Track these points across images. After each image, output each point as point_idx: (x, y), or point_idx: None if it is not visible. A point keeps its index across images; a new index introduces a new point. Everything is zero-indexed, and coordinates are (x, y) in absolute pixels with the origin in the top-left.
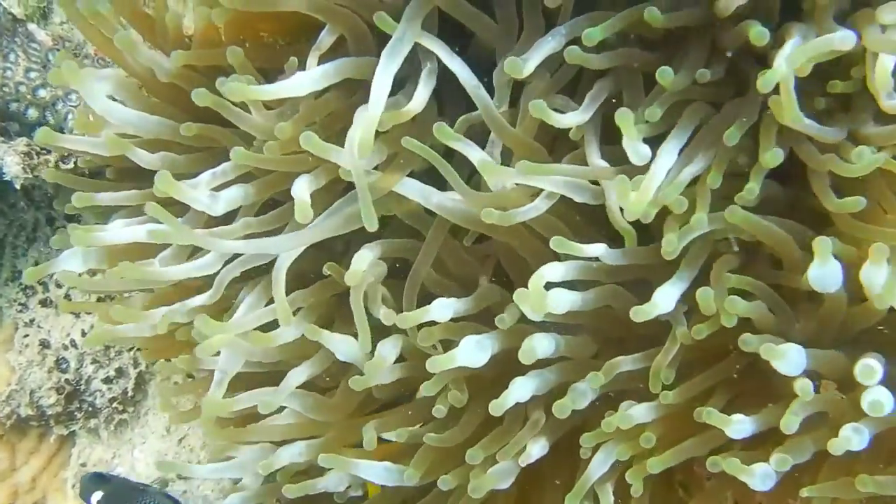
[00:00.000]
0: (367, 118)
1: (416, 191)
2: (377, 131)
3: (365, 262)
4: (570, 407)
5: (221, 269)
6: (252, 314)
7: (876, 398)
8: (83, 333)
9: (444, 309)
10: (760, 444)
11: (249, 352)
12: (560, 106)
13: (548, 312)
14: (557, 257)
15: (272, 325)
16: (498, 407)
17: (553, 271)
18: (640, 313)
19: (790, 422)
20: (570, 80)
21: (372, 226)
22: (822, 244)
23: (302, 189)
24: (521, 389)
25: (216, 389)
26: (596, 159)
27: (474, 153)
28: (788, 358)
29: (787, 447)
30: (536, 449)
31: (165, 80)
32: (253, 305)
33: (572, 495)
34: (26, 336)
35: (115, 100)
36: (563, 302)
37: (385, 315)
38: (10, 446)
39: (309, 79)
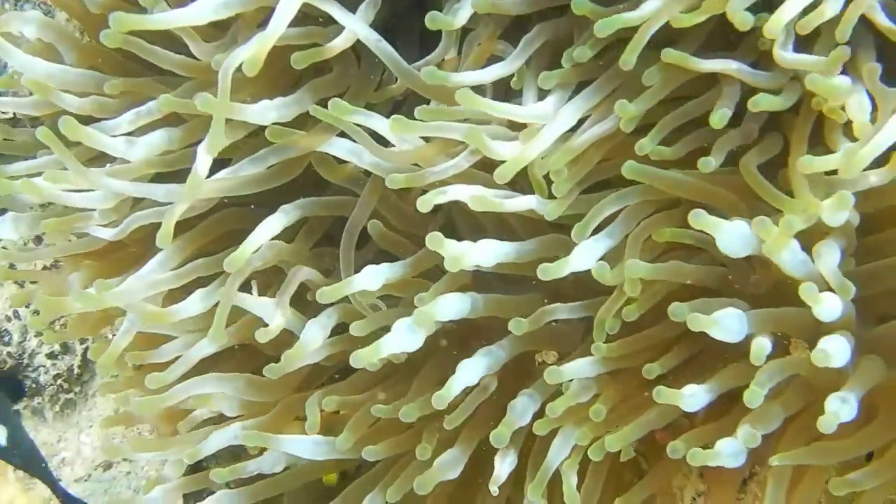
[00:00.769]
0: (263, 36)
1: (346, 150)
2: None
3: (258, 242)
4: (507, 435)
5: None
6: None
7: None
8: (27, 304)
9: (373, 276)
10: (725, 412)
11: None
12: (500, 52)
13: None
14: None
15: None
16: (441, 399)
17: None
18: (548, 272)
19: (754, 395)
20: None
21: (211, 152)
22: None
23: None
24: (467, 373)
25: (119, 339)
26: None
27: (377, 122)
28: (722, 325)
29: (753, 416)
30: (505, 467)
31: (96, 12)
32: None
33: (535, 484)
34: None
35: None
36: (488, 255)
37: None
38: None
39: (209, 5)
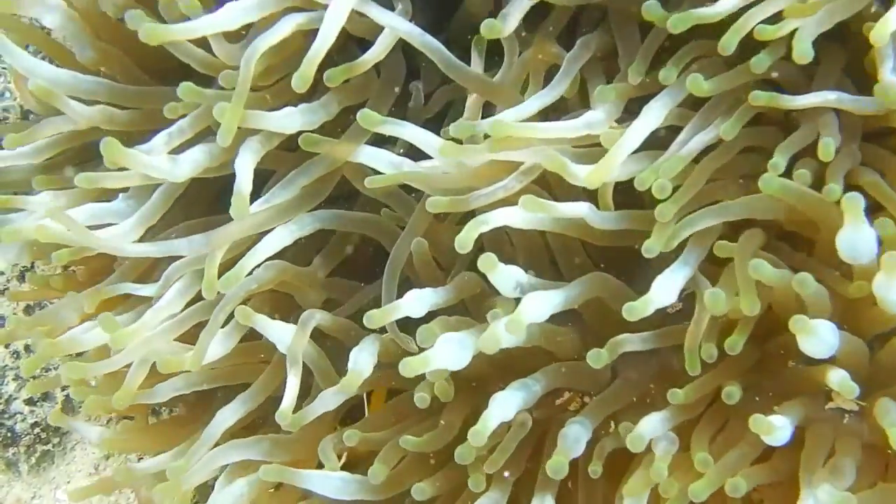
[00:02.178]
0: (313, 50)
1: (383, 161)
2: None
3: (259, 257)
4: (564, 463)
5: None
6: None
7: None
8: (6, 345)
9: (416, 302)
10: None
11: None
12: (555, 56)
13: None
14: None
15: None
16: (478, 436)
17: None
18: (634, 311)
19: None
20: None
21: (225, 141)
22: (853, 202)
23: (243, 169)
24: (502, 408)
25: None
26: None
27: (411, 132)
28: (819, 334)
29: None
30: None
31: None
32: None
33: None
34: None
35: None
36: (541, 309)
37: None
38: None
39: (240, 9)
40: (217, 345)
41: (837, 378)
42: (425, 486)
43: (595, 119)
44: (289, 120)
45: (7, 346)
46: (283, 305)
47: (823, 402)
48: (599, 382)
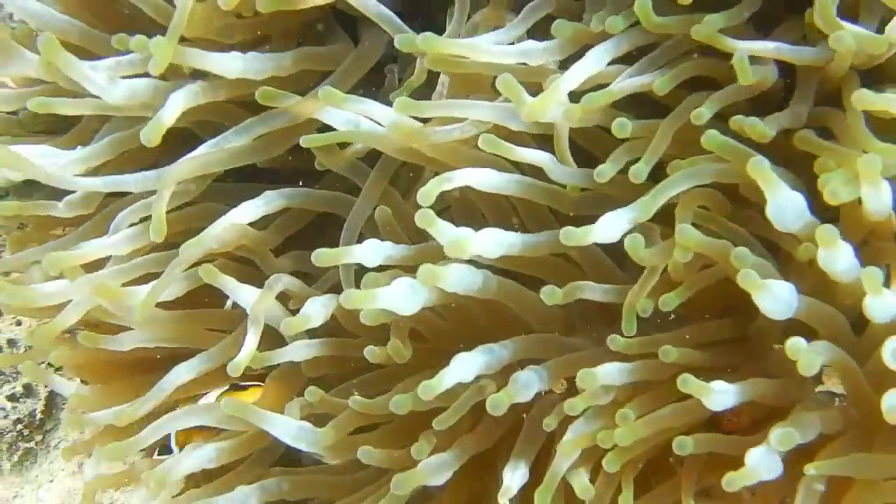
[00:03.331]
0: None
1: (343, 120)
2: None
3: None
4: (505, 402)
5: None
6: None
7: None
8: None
9: (374, 250)
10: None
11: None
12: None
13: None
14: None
15: None
16: (429, 390)
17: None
18: (572, 237)
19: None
20: None
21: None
22: (760, 168)
23: (172, 103)
24: (462, 368)
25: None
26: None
27: (372, 108)
28: (773, 291)
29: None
30: (516, 479)
31: None
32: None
33: (542, 489)
34: None
35: None
36: (489, 241)
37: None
38: None
39: None
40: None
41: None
42: (372, 449)
43: (531, 48)
44: (231, 63)
45: None
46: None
47: (812, 385)
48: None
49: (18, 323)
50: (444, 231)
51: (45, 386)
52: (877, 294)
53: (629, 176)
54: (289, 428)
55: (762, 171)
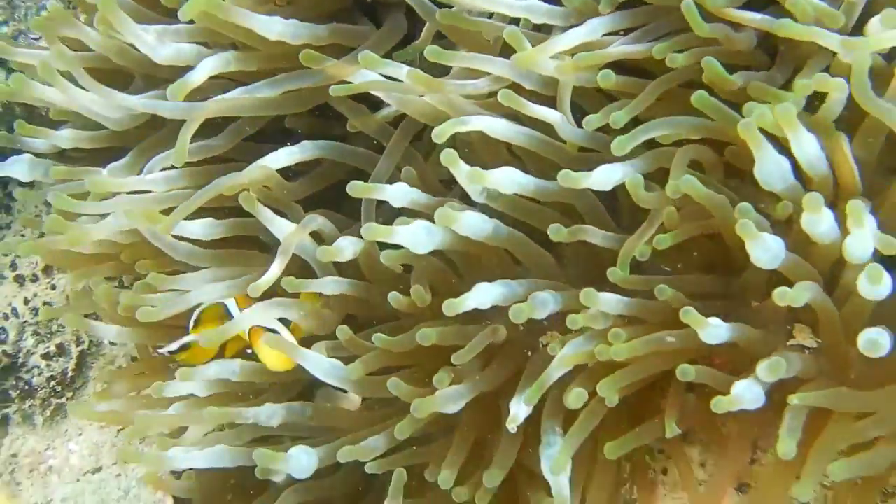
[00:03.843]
0: None
1: (378, 84)
2: None
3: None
4: (526, 314)
5: None
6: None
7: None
8: (26, 302)
9: (399, 192)
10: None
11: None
12: None
13: (493, 189)
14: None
15: None
16: (452, 307)
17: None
18: (567, 179)
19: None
20: None
21: (185, 15)
22: (750, 131)
23: (202, 66)
24: (482, 295)
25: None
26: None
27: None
28: (765, 242)
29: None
30: (522, 410)
31: None
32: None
33: (533, 389)
34: None
35: None
36: (508, 180)
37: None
38: None
39: None
40: (200, 227)
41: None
42: (400, 381)
43: (536, 6)
44: (272, 25)
45: (27, 303)
46: None
47: (785, 339)
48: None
49: (53, 287)
50: (464, 167)
51: (78, 346)
52: (859, 226)
53: (610, 122)
54: (321, 363)
55: (751, 132)
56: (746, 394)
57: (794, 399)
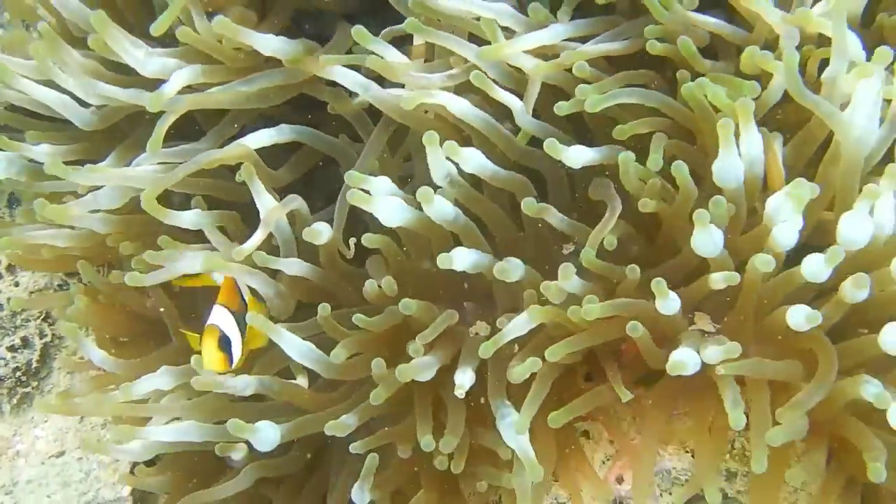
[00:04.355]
0: None
1: (351, 81)
2: None
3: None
4: (501, 272)
5: None
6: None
7: None
8: None
9: (384, 184)
10: None
11: None
12: None
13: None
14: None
15: None
16: (445, 261)
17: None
18: (552, 148)
19: None
20: None
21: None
22: (725, 129)
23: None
24: (463, 257)
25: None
26: None
27: (391, 53)
28: (712, 232)
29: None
30: (466, 379)
31: None
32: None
33: (488, 344)
34: None
35: None
36: (474, 161)
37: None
38: None
39: None
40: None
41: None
42: (382, 360)
43: (503, 10)
44: (268, 42)
45: None
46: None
47: (688, 325)
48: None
49: (17, 284)
50: (439, 150)
51: (41, 339)
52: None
53: (585, 106)
54: (297, 345)
55: (726, 129)
56: (686, 358)
57: (720, 370)
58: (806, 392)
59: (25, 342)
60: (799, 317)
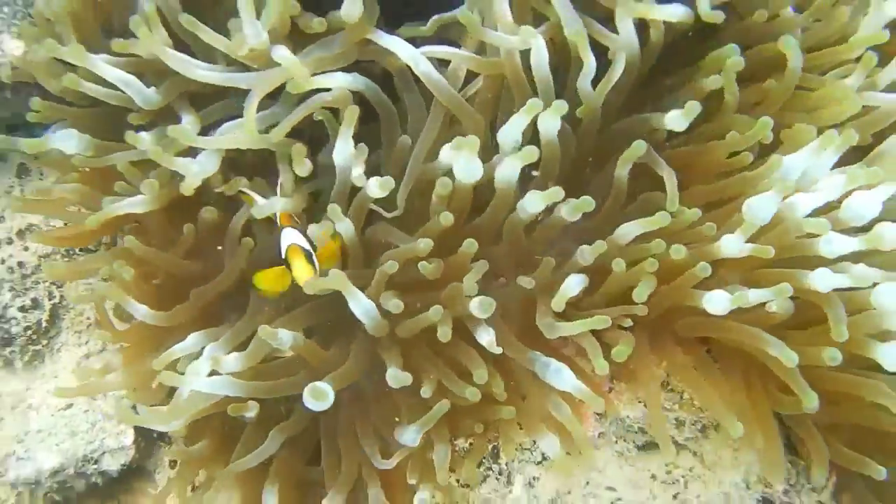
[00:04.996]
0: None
1: (406, 52)
2: None
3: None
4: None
5: None
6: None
7: None
8: (2, 261)
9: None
10: None
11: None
12: None
13: None
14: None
15: None
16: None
17: None
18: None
19: None
20: None
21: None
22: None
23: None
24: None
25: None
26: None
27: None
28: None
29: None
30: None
31: None
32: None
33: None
34: None
35: None
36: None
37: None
38: None
39: None
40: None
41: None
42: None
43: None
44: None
45: (3, 263)
46: None
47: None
48: None
49: (26, 248)
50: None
51: (50, 300)
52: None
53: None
54: (363, 302)
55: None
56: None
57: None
58: None
59: (35, 303)
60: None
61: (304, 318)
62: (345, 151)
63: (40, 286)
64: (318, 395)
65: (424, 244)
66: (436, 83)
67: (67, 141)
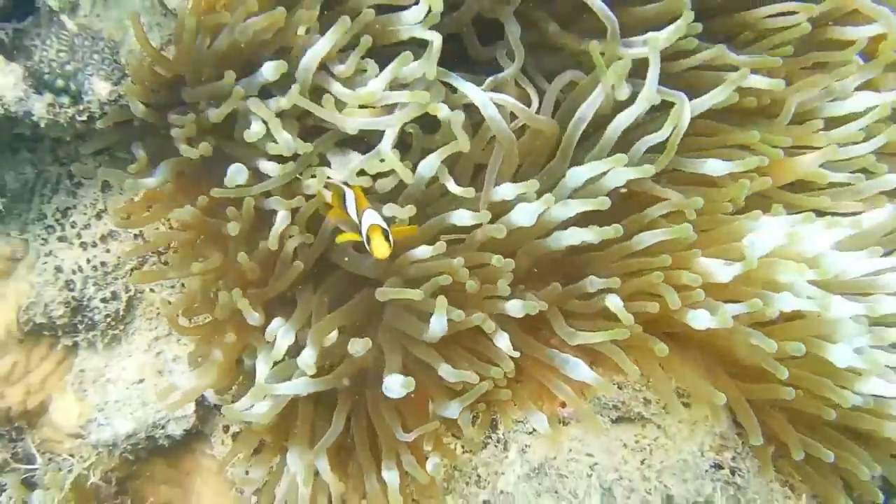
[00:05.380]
0: None
1: (479, 97)
2: None
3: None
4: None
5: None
6: None
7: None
8: (88, 261)
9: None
10: None
11: None
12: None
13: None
14: None
15: None
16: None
17: None
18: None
19: None
20: None
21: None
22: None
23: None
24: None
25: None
26: None
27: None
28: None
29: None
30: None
31: None
32: None
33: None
34: (45, 263)
35: None
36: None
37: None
38: (27, 351)
39: None
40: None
41: None
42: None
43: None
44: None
45: (88, 262)
46: None
47: None
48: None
49: (108, 251)
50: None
51: (126, 293)
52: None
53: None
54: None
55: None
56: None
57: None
58: None
59: (114, 295)
60: None
61: (340, 319)
62: (433, 164)
63: (119, 282)
64: (407, 385)
65: (457, 262)
66: (497, 125)
67: (241, 176)
